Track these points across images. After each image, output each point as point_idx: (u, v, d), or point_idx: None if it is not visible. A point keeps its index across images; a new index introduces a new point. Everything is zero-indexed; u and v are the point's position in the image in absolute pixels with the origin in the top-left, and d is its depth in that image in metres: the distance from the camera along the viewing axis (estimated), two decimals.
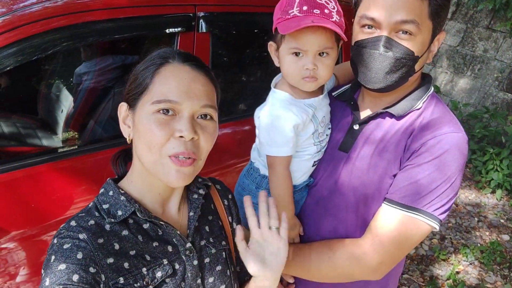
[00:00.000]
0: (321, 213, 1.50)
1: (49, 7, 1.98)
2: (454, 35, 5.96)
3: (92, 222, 1.06)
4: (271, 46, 1.43)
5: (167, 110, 1.06)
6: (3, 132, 2.48)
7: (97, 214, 1.09)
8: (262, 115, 1.43)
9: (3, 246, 1.94)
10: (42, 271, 1.01)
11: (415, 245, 1.38)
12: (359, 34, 1.35)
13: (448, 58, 6.06)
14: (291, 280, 1.58)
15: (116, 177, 1.23)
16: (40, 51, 1.96)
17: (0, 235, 1.94)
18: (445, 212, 1.32)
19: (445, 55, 6.07)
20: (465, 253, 3.86)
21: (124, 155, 1.24)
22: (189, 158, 1.06)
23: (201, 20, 2.33)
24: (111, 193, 1.13)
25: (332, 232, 1.48)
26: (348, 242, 1.41)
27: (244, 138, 2.57)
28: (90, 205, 1.13)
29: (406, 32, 1.27)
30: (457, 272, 3.67)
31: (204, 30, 2.35)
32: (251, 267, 1.16)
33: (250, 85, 2.96)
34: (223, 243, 1.27)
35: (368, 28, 1.32)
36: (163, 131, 1.04)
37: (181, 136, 1.05)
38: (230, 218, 1.35)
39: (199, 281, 1.17)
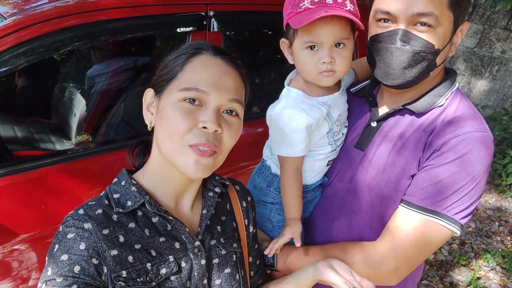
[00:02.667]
0: (335, 213, 1.44)
1: (60, 6, 1.97)
2: (471, 36, 5.85)
3: (99, 211, 1.04)
4: (284, 43, 1.37)
5: (193, 100, 1.03)
6: (17, 134, 2.48)
7: (106, 203, 1.07)
8: (274, 114, 1.38)
9: (15, 247, 1.93)
10: (46, 258, 1.00)
11: (434, 250, 1.30)
12: (375, 29, 1.29)
13: (465, 60, 5.95)
14: None
15: (133, 169, 1.21)
16: (52, 50, 1.95)
17: (11, 237, 1.93)
18: (467, 216, 1.23)
19: (462, 57, 5.96)
20: (486, 258, 3.75)
21: (143, 146, 1.21)
22: (210, 150, 1.03)
23: (212, 19, 2.30)
24: (123, 183, 1.11)
25: (346, 233, 1.42)
26: (363, 245, 1.33)
27: (258, 140, 2.52)
28: (101, 194, 1.11)
29: (425, 24, 1.20)
30: (478, 278, 3.56)
31: (215, 29, 2.32)
32: None
33: (263, 85, 2.92)
34: (235, 245, 1.22)
35: (384, 22, 1.26)
36: (186, 120, 1.02)
37: (204, 127, 1.02)
38: (246, 221, 1.30)
39: (205, 281, 1.13)
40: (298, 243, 1.39)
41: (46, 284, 0.96)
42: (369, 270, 1.29)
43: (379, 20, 1.27)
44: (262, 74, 2.93)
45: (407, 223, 1.25)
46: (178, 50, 1.11)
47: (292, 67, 1.42)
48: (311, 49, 1.29)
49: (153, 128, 1.11)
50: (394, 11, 1.21)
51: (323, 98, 1.37)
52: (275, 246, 1.41)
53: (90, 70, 2.70)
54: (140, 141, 1.21)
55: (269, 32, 2.73)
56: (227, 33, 2.42)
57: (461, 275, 3.58)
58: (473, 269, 3.64)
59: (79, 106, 2.70)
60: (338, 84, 1.43)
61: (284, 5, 1.32)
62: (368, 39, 1.33)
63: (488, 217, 4.37)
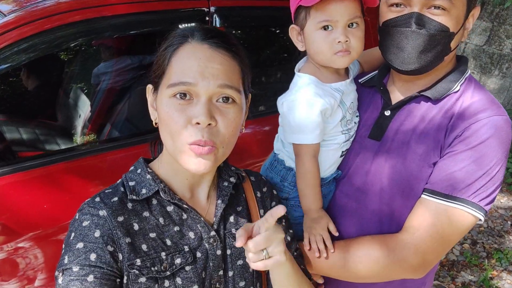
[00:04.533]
0: (352, 207, 1.39)
1: (62, 2, 1.96)
2: (480, 34, 5.78)
3: (115, 199, 1.04)
4: (293, 29, 1.34)
5: (184, 94, 1.00)
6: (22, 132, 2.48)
7: (122, 190, 1.07)
8: (286, 101, 1.34)
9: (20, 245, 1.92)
10: (63, 245, 1.01)
11: (459, 239, 1.26)
12: (388, 14, 1.26)
13: (474, 58, 5.88)
14: (321, 281, 1.45)
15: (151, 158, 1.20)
16: (54, 47, 1.95)
17: (16, 236, 1.92)
18: (490, 202, 1.21)
19: (471, 54, 5.89)
20: (499, 258, 3.68)
21: None
22: (207, 146, 1.00)
23: (215, 15, 2.28)
24: (139, 171, 1.11)
25: (364, 228, 1.37)
26: (386, 238, 1.29)
27: (264, 138, 2.49)
28: (118, 181, 1.11)
29: (439, 7, 1.18)
30: (491, 278, 3.49)
31: (218, 25, 2.30)
32: None
33: (267, 81, 2.90)
34: None
35: (397, 6, 1.23)
36: (180, 118, 0.99)
37: (198, 123, 0.98)
38: (262, 211, 1.25)
39: (221, 272, 1.11)
40: (336, 233, 1.34)
41: (62, 274, 0.96)
42: (394, 264, 1.25)
43: (392, 4, 1.24)
44: (266, 71, 2.90)
45: (431, 213, 1.22)
46: (166, 40, 1.07)
47: (299, 58, 1.39)
48: (325, 29, 1.26)
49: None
50: None
51: (335, 84, 1.34)
52: (320, 246, 1.32)
53: (95, 69, 2.69)
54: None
55: (272, 28, 2.71)
56: (230, 28, 2.39)
57: (473, 275, 3.51)
58: (485, 269, 3.57)
59: (84, 105, 2.69)
60: (347, 72, 1.40)
61: None
62: (380, 25, 1.30)
63: (500, 216, 4.30)
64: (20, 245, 1.93)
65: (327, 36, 1.26)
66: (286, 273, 1.07)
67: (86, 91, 2.73)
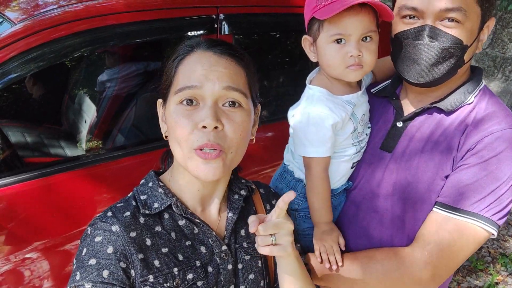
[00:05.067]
0: (362, 219, 1.38)
1: (69, 11, 1.95)
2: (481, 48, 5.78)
3: (127, 213, 1.04)
4: (306, 40, 1.34)
5: (191, 101, 1.01)
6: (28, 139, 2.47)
7: (134, 204, 1.07)
8: (297, 114, 1.34)
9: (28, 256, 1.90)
10: (74, 261, 1.00)
11: (471, 254, 1.24)
12: (400, 26, 1.25)
13: (477, 61, 5.88)
14: None
15: (161, 170, 1.20)
16: (61, 56, 1.93)
17: (24, 245, 1.91)
18: (503, 217, 1.19)
19: (474, 58, 5.89)
20: (504, 263, 3.67)
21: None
22: (214, 150, 1.00)
23: (223, 22, 2.27)
24: (150, 184, 1.11)
25: (374, 240, 1.36)
26: (397, 251, 1.28)
27: (269, 144, 2.48)
28: (129, 195, 1.10)
29: (453, 20, 1.17)
30: (496, 283, 3.48)
31: (226, 32, 2.29)
32: None
33: (275, 88, 2.88)
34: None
35: (410, 18, 1.22)
36: (187, 123, 1.00)
37: (204, 127, 0.99)
38: None
39: (232, 287, 1.10)
40: (344, 247, 1.34)
41: None
42: (404, 278, 1.24)
43: (404, 16, 1.23)
44: (274, 77, 2.89)
45: (443, 227, 1.21)
46: (173, 52, 1.09)
47: (306, 68, 1.37)
48: (338, 42, 1.25)
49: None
50: (421, 6, 1.18)
51: (347, 96, 1.33)
52: (331, 258, 1.32)
53: (101, 75, 2.68)
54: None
55: (281, 35, 2.69)
56: (238, 35, 2.38)
57: (478, 280, 3.50)
58: (490, 274, 3.56)
59: (90, 112, 2.68)
60: (359, 84, 1.39)
61: (306, 1, 1.30)
62: (392, 36, 1.29)
63: (505, 221, 4.28)
64: (28, 255, 1.92)
65: (339, 49, 1.25)
66: (293, 268, 1.08)
67: (92, 98, 2.72)
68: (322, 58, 1.30)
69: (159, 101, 1.12)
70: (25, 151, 2.47)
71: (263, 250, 1.00)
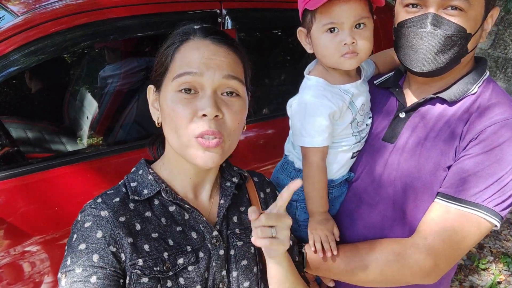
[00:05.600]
0: (364, 210, 1.38)
1: (70, 4, 1.94)
2: (485, 37, 5.78)
3: (117, 199, 1.05)
4: (301, 32, 1.34)
5: (189, 90, 1.01)
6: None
7: (124, 191, 1.07)
8: (295, 104, 1.34)
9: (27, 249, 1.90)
10: (66, 247, 1.01)
11: (474, 245, 1.23)
12: (403, 14, 1.24)
13: None
14: (331, 284, 1.44)
15: (152, 159, 1.20)
16: (61, 49, 1.93)
17: (23, 239, 1.90)
18: (507, 208, 1.18)
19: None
20: (506, 262, 3.66)
21: (162, 138, 1.17)
22: (215, 138, 1.00)
23: (226, 17, 2.27)
24: (140, 171, 1.12)
25: (376, 231, 1.35)
26: (397, 242, 1.27)
27: (276, 138, 2.47)
28: (120, 183, 1.11)
29: (456, 8, 1.16)
30: (499, 283, 3.46)
31: (229, 27, 2.29)
32: None
33: (279, 83, 2.88)
34: (251, 236, 1.17)
35: (412, 7, 1.22)
36: (186, 111, 1.00)
37: (204, 115, 0.99)
38: None
39: (224, 272, 1.10)
40: (338, 238, 1.34)
41: (65, 275, 0.96)
42: (405, 269, 1.23)
43: (407, 5, 1.22)
44: (277, 73, 2.89)
45: (445, 217, 1.20)
46: (167, 40, 1.08)
47: (309, 63, 1.37)
48: (331, 31, 1.25)
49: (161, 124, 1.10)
50: None
51: (345, 86, 1.32)
52: (332, 247, 1.31)
53: (102, 71, 2.68)
54: (159, 134, 1.18)
55: (284, 30, 2.69)
56: (241, 30, 2.38)
57: (480, 280, 3.49)
58: (493, 274, 3.54)
59: (91, 107, 2.67)
60: (359, 73, 1.39)
61: None
62: (395, 26, 1.28)
63: (507, 220, 4.27)
64: (27, 248, 1.91)
65: (333, 38, 1.25)
66: (284, 271, 1.08)
67: (94, 93, 2.71)
68: (317, 49, 1.30)
69: (151, 87, 1.11)
70: (25, 146, 2.47)
71: (260, 242, 0.98)
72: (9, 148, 2.15)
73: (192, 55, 1.02)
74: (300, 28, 1.34)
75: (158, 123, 1.10)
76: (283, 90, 2.71)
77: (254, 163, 2.41)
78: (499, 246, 3.90)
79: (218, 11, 2.24)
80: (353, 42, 1.24)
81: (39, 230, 1.92)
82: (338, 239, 1.35)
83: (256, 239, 0.98)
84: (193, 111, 1.00)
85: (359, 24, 1.25)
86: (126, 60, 2.64)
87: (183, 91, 1.01)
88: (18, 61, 1.85)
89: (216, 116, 1.00)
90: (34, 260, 1.95)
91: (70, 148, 2.53)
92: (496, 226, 1.18)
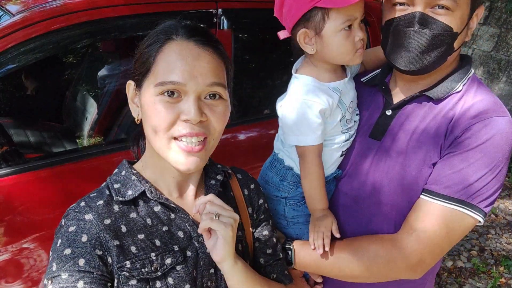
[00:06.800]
0: (351, 207, 1.38)
1: (69, 3, 1.97)
2: (488, 40, 5.75)
3: (101, 202, 1.03)
4: (305, 34, 1.27)
5: (172, 92, 1.00)
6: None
7: (107, 193, 1.06)
8: (285, 104, 1.33)
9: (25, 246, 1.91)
10: (50, 253, 0.99)
11: (458, 240, 1.25)
12: (391, 13, 1.24)
13: (482, 64, 5.85)
14: (319, 280, 1.45)
15: (134, 160, 1.19)
16: (60, 48, 1.95)
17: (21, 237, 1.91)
18: (490, 204, 1.19)
19: (479, 60, 5.86)
20: (507, 265, 3.63)
21: (144, 137, 1.16)
22: (199, 142, 1.01)
23: (222, 17, 2.28)
24: (123, 173, 1.10)
25: (363, 228, 1.35)
26: (383, 238, 1.28)
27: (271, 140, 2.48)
28: (103, 185, 1.10)
29: (443, 7, 1.16)
30: (499, 286, 3.44)
31: (225, 27, 2.30)
32: None
33: (274, 83, 2.88)
34: (239, 233, 1.19)
35: (400, 5, 1.22)
36: (168, 114, 0.99)
37: (187, 120, 0.99)
38: (250, 209, 1.25)
39: (212, 270, 1.10)
40: (338, 234, 1.32)
41: (52, 282, 0.94)
42: (390, 264, 1.24)
43: (395, 3, 1.22)
44: (273, 73, 2.89)
45: (430, 214, 1.20)
46: (149, 36, 1.05)
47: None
48: (348, 28, 1.24)
49: (141, 121, 1.09)
50: None
51: (333, 83, 1.32)
52: (319, 242, 1.30)
53: (100, 71, 2.69)
54: (140, 133, 1.17)
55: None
56: (237, 31, 2.39)
57: (481, 283, 3.46)
58: (493, 277, 3.52)
59: (91, 108, 2.69)
60: (344, 71, 1.39)
61: None
62: (383, 24, 1.28)
63: (508, 223, 4.24)
64: (24, 246, 1.92)
65: (349, 35, 1.24)
66: (239, 280, 1.07)
67: (93, 94, 2.73)
68: (331, 48, 1.26)
69: (130, 82, 1.09)
70: (24, 146, 2.48)
71: (202, 224, 1.01)
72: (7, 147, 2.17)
73: (175, 60, 0.99)
74: (304, 30, 1.26)
75: (138, 120, 1.09)
76: (280, 90, 2.71)
77: (259, 163, 2.41)
78: (500, 249, 3.87)
79: (214, 11, 2.25)
80: (364, 36, 1.26)
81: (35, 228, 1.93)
82: (338, 235, 1.33)
83: (200, 226, 1.02)
84: (175, 114, 0.99)
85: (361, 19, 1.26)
86: (121, 60, 2.66)
87: (165, 93, 0.99)
88: (16, 59, 1.87)
89: (200, 121, 1.00)
90: (32, 258, 1.96)
91: (69, 147, 2.54)
92: (479, 222, 1.19)
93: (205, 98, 1.02)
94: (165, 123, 0.99)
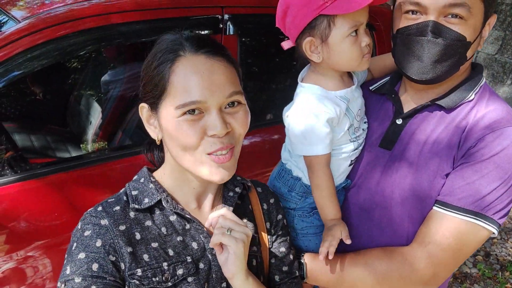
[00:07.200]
0: (361, 219, 1.36)
1: (75, 9, 1.96)
2: (492, 42, 5.73)
3: (117, 208, 1.04)
4: (310, 42, 1.25)
5: (193, 110, 0.99)
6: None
7: (125, 199, 1.06)
8: (292, 113, 1.31)
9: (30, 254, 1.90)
10: (65, 255, 1.00)
11: (472, 252, 1.23)
12: (402, 21, 1.22)
13: (486, 67, 5.83)
14: None
15: (154, 167, 1.19)
16: (66, 54, 1.94)
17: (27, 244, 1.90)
18: (504, 216, 1.17)
19: (483, 63, 5.84)
20: None
21: (159, 145, 1.15)
22: (227, 152, 1.01)
23: (228, 22, 2.27)
24: (142, 180, 1.10)
25: (374, 240, 1.34)
26: (395, 251, 1.26)
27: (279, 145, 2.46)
28: (121, 191, 1.10)
29: (457, 16, 1.14)
30: None
31: (231, 33, 2.28)
32: None
33: (281, 89, 2.87)
34: (254, 248, 1.17)
35: (413, 13, 1.19)
36: (195, 133, 0.99)
37: (214, 135, 0.99)
38: (268, 224, 1.23)
39: (224, 285, 1.09)
40: (349, 241, 1.27)
41: (65, 285, 0.95)
42: (403, 279, 1.22)
43: (407, 11, 1.20)
44: (280, 79, 2.88)
45: (443, 226, 1.18)
46: (155, 56, 1.01)
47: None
48: (354, 34, 1.22)
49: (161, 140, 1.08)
50: (424, 2, 1.15)
51: (340, 92, 1.31)
52: (331, 250, 1.26)
53: (105, 76, 2.68)
54: (154, 143, 1.14)
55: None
56: (243, 36, 2.37)
57: None
58: (499, 282, 3.50)
59: (95, 113, 2.68)
60: (352, 78, 1.37)
61: (300, 2, 1.21)
62: (394, 32, 1.26)
63: None
64: (29, 253, 1.91)
65: (355, 41, 1.23)
66: None
67: (97, 99, 2.72)
68: (338, 55, 1.24)
69: (144, 105, 1.06)
70: (29, 151, 2.48)
71: (214, 238, 1.03)
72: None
73: (191, 80, 0.97)
74: (310, 39, 1.24)
75: (158, 141, 1.08)
76: (287, 95, 2.70)
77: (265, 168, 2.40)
78: (505, 254, 3.85)
79: (220, 17, 2.24)
80: (370, 41, 1.25)
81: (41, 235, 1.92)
82: (348, 242, 1.27)
83: (212, 240, 1.03)
84: (202, 130, 0.99)
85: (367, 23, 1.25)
86: (129, 65, 2.65)
87: (187, 113, 0.98)
88: (22, 66, 1.86)
89: (227, 133, 1.00)
90: (37, 265, 1.95)
91: (74, 153, 2.54)
92: (493, 233, 1.17)
93: (225, 108, 1.02)
94: (193, 142, 0.99)
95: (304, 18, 1.22)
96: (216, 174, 1.02)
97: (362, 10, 1.18)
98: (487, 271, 3.58)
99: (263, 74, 2.79)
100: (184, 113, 0.98)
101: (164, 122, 1.02)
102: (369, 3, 1.14)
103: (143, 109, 1.07)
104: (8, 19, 2.01)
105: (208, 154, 1.00)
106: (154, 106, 1.03)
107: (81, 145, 2.65)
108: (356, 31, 1.22)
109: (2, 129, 2.31)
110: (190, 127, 0.98)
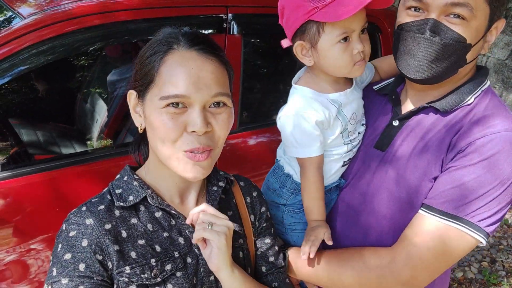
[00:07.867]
0: (351, 218, 1.36)
1: (82, 6, 1.98)
2: (503, 48, 5.68)
3: (102, 207, 1.03)
4: (301, 46, 1.25)
5: (177, 103, 0.99)
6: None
7: (109, 198, 1.06)
8: (283, 115, 1.31)
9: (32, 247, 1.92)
10: (51, 257, 1.00)
11: (457, 259, 1.19)
12: (404, 17, 1.21)
13: (496, 72, 5.77)
14: None
15: (137, 165, 1.19)
16: (72, 50, 1.96)
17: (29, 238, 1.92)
18: (493, 224, 1.13)
19: (493, 69, 5.78)
20: None
21: (146, 142, 1.16)
22: (204, 152, 1.01)
23: (232, 22, 2.28)
24: (125, 178, 1.10)
25: (362, 239, 1.33)
26: (377, 250, 1.25)
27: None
28: (105, 190, 1.10)
29: (458, 16, 1.12)
30: None
31: (235, 32, 2.29)
32: None
33: (285, 89, 2.87)
34: (240, 241, 1.18)
35: (415, 10, 1.18)
36: (175, 127, 0.99)
37: (193, 131, 0.99)
38: (252, 216, 1.25)
39: (212, 277, 1.09)
40: (330, 242, 1.28)
41: (52, 287, 0.95)
42: (381, 278, 1.21)
43: (409, 7, 1.19)
44: (283, 79, 2.88)
45: (425, 229, 1.16)
46: (150, 45, 1.03)
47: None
48: (344, 41, 1.21)
49: (145, 129, 1.09)
50: None
51: (333, 95, 1.30)
52: (312, 250, 1.27)
53: (110, 74, 2.71)
54: (141, 138, 1.17)
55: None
56: (247, 36, 2.38)
57: None
58: None
59: (101, 109, 2.71)
60: (350, 80, 1.36)
61: (293, 4, 1.21)
62: (396, 28, 1.25)
63: None
64: (32, 246, 1.93)
65: (346, 48, 1.21)
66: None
67: (103, 96, 2.75)
68: (327, 61, 1.24)
69: (132, 92, 1.07)
70: (35, 148, 2.51)
71: (196, 234, 1.03)
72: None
73: (179, 72, 0.98)
74: (300, 42, 1.25)
75: (141, 129, 1.09)
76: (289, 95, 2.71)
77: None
78: (511, 261, 3.80)
79: (224, 16, 2.25)
80: (363, 49, 1.22)
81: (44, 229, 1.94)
82: (330, 243, 1.29)
83: (194, 236, 1.04)
84: (182, 125, 0.99)
85: (363, 29, 1.23)
86: (130, 63, 2.67)
87: (170, 105, 0.99)
88: (28, 61, 1.89)
89: (206, 132, 1.00)
90: (40, 259, 1.97)
91: (79, 149, 2.56)
92: (481, 242, 1.13)
93: (209, 107, 1.02)
94: (172, 135, 0.99)
95: (295, 22, 1.23)
96: (190, 171, 1.02)
97: (354, 17, 1.16)
98: (492, 277, 3.54)
99: (267, 74, 2.80)
100: (168, 105, 0.98)
101: (147, 111, 1.03)
102: (357, 11, 1.13)
103: (131, 95, 1.08)
104: (14, 16, 2.04)
105: (185, 151, 1.00)
106: (142, 94, 1.04)
107: (86, 142, 2.67)
108: (348, 37, 1.21)
109: (7, 125, 2.35)
110: (171, 119, 0.98)
